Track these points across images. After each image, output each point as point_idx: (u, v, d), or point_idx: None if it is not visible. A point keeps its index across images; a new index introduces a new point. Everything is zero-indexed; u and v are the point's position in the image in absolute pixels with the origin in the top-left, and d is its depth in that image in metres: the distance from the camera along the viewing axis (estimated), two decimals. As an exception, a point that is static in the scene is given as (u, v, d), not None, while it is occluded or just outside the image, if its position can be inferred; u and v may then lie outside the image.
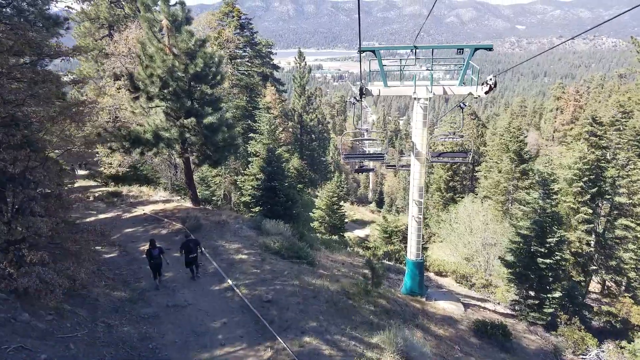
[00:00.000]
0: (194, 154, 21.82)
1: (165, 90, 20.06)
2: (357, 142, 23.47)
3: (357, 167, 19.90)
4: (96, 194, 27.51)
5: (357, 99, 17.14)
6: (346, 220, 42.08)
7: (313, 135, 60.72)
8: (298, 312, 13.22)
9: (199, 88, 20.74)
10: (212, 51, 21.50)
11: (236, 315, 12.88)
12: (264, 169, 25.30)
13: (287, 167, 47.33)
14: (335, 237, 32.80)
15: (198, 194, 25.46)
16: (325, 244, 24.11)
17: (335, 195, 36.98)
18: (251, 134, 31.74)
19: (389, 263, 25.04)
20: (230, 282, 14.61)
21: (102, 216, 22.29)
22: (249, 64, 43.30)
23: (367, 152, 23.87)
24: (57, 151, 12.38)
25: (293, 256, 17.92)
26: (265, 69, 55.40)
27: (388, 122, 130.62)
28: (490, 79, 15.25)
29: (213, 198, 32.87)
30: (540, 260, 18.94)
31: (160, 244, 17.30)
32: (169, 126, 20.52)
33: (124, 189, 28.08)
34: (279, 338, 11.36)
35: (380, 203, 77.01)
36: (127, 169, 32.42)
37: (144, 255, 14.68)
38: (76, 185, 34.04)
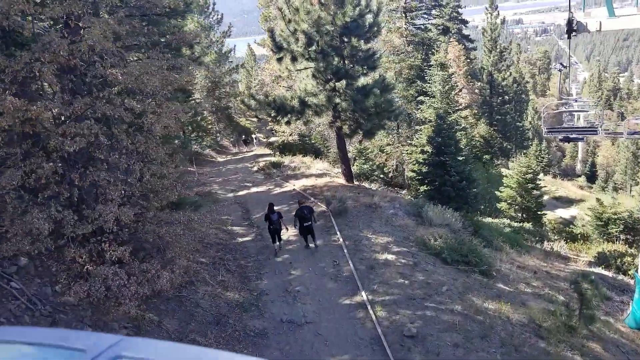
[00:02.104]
0: (346, 122, 18.46)
1: (311, 48, 16.98)
2: (563, 112, 17.50)
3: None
4: (261, 164, 27.02)
5: (564, 64, 15.28)
6: (545, 196, 33.67)
7: (506, 97, 50.98)
8: (454, 362, 8.77)
9: (349, 42, 17.03)
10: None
11: (364, 351, 9.17)
12: (432, 139, 20.39)
13: (472, 135, 40.55)
14: (528, 225, 25.79)
15: (355, 169, 22.31)
16: (511, 240, 18.15)
17: (530, 170, 29.24)
18: (420, 97, 26.82)
19: (606, 274, 17.72)
20: (364, 295, 10.89)
21: (254, 190, 21.12)
22: (425, 17, 37.46)
23: (575, 124, 17.24)
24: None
25: (460, 261, 13.11)
26: (452, 24, 48.31)
27: (604, 80, 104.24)
28: None
29: (384, 170, 29.42)
30: None
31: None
32: (318, 91, 17.53)
33: (286, 160, 26.96)
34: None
35: (591, 177, 62.09)
36: (298, 138, 31.48)
37: (264, 220, 13.29)
38: (251, 154, 35.08)
